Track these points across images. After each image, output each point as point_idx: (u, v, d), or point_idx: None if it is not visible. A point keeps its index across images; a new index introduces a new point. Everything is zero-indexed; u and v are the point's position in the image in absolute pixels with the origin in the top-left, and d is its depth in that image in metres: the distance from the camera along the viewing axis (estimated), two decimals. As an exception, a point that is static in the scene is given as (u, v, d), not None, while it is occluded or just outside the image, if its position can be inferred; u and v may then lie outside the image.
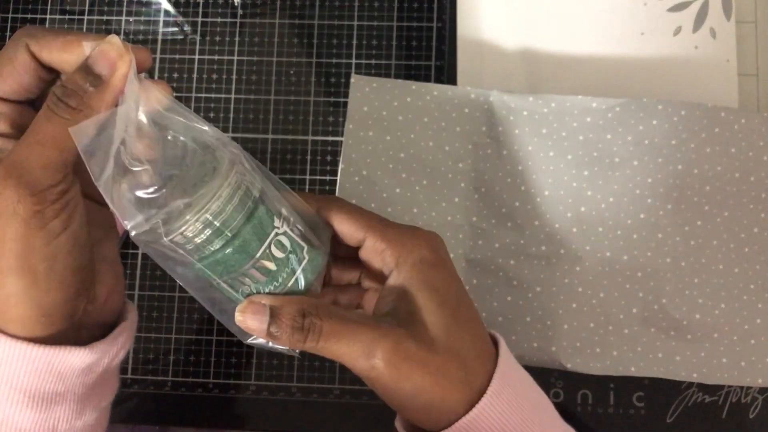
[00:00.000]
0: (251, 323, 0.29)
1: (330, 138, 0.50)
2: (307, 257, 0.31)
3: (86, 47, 0.28)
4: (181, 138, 0.29)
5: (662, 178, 0.46)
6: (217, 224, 0.28)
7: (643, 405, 0.46)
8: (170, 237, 0.28)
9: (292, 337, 0.29)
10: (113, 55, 0.28)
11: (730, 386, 0.46)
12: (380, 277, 0.33)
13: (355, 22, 0.51)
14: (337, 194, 0.47)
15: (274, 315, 0.29)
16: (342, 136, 0.49)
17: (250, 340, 0.31)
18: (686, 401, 0.46)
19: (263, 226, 0.29)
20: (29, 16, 0.53)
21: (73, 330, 0.30)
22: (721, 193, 0.46)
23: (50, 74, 0.30)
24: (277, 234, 0.30)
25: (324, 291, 0.34)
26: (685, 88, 0.49)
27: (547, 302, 0.46)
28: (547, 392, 0.47)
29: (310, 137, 0.50)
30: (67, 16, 0.53)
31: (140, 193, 0.28)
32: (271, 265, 0.30)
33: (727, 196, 0.46)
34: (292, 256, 0.30)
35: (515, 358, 0.45)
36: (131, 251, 0.49)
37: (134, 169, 0.28)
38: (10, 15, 0.53)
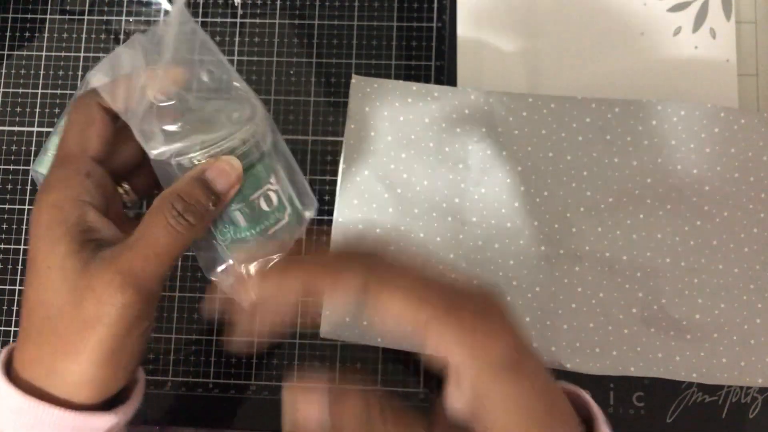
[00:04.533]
0: (302, 406, 0.26)
1: (330, 138, 0.50)
2: (286, 219, 0.33)
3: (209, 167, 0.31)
4: (208, 79, 0.33)
5: (662, 179, 0.46)
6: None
7: (643, 405, 0.46)
8: (178, 159, 0.31)
9: None
10: (233, 178, 0.31)
11: (729, 386, 0.46)
12: None
13: (355, 23, 0.52)
14: (337, 194, 0.47)
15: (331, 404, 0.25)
16: (342, 136, 0.49)
17: (213, 277, 0.33)
18: (686, 401, 0.46)
19: (259, 178, 0.32)
20: (29, 15, 0.53)
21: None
22: (720, 193, 0.46)
23: (116, 124, 0.33)
24: (269, 189, 0.33)
25: None
26: (684, 88, 0.50)
27: (546, 302, 0.46)
28: (547, 392, 0.47)
29: (310, 137, 0.50)
30: (67, 16, 0.53)
31: (166, 127, 0.31)
32: (254, 214, 0.32)
33: (727, 197, 0.46)
34: (276, 213, 0.33)
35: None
36: (131, 251, 0.49)
37: (162, 105, 0.31)
38: (10, 15, 0.53)
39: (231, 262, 0.33)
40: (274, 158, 0.34)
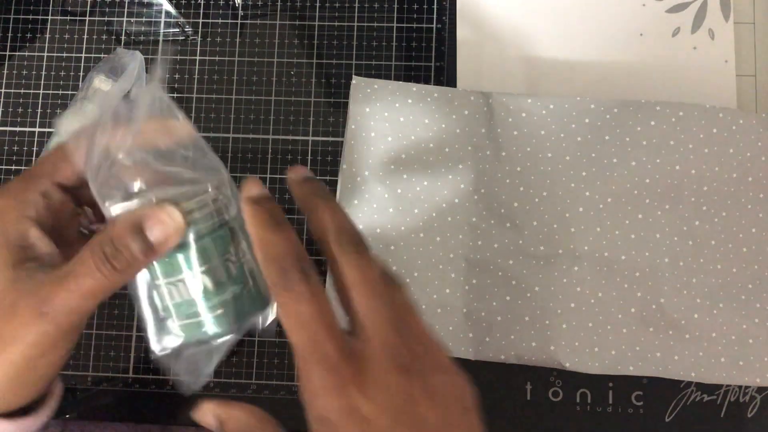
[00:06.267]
0: (204, 417, 0.30)
1: (330, 138, 0.50)
2: (247, 292, 0.31)
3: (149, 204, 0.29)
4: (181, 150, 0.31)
5: (660, 179, 0.47)
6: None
7: (642, 404, 0.47)
8: None
9: None
10: (171, 230, 0.29)
11: (728, 385, 0.47)
12: None
13: (356, 24, 0.52)
14: (338, 195, 0.47)
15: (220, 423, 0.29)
16: (342, 136, 0.49)
17: (159, 352, 0.31)
18: (685, 400, 0.47)
19: (216, 246, 0.30)
20: (30, 16, 0.53)
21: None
22: (719, 193, 0.47)
23: None
24: (230, 260, 0.30)
25: None
26: (683, 88, 0.50)
27: (545, 302, 0.46)
28: (546, 391, 0.47)
29: (311, 138, 0.50)
30: (68, 17, 0.53)
31: (126, 184, 0.29)
32: (210, 285, 0.30)
33: (725, 197, 0.47)
34: (232, 287, 0.30)
35: (514, 357, 0.45)
36: (133, 251, 0.50)
37: (125, 164, 0.29)
38: (12, 15, 0.53)
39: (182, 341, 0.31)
40: (238, 232, 0.32)
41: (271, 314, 0.32)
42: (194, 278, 0.30)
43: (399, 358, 0.28)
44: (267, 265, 0.28)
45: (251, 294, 0.31)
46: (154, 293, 0.31)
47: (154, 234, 0.29)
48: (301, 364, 0.27)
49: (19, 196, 0.31)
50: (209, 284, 0.30)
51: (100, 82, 0.49)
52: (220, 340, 0.31)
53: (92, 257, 0.29)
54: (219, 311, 0.30)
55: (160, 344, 0.31)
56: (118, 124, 0.30)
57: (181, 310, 0.30)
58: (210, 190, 0.30)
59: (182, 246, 0.29)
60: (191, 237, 0.30)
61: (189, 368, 0.31)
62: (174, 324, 0.31)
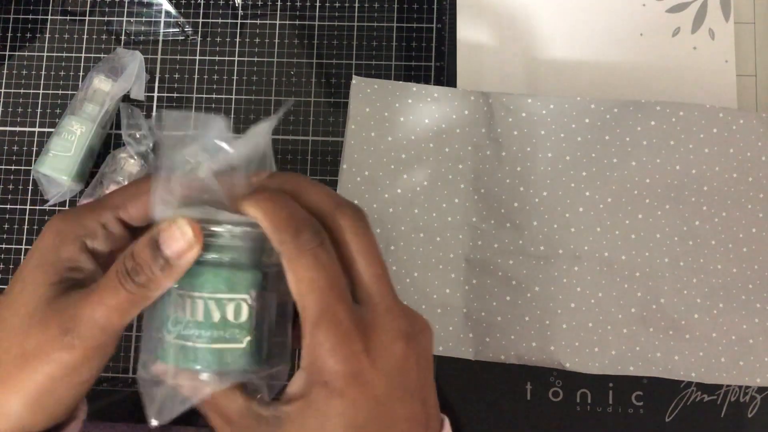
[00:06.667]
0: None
1: (330, 138, 0.50)
2: (243, 346, 0.29)
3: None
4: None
5: (660, 179, 0.47)
6: (218, 240, 0.29)
7: (642, 404, 0.47)
8: None
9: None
10: (183, 244, 0.28)
11: (728, 385, 0.47)
12: None
13: (356, 23, 0.52)
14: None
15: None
16: (342, 136, 0.49)
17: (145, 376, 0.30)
18: (685, 400, 0.47)
19: (235, 280, 0.29)
20: (30, 16, 0.53)
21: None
22: (719, 193, 0.47)
23: None
24: (246, 301, 0.29)
25: None
26: (683, 88, 0.50)
27: (545, 302, 0.46)
28: (546, 392, 0.47)
29: (311, 137, 0.50)
30: (68, 17, 0.53)
31: (176, 197, 0.29)
32: (216, 316, 0.29)
33: (726, 197, 0.47)
34: (235, 330, 0.29)
35: (514, 357, 0.45)
36: (132, 251, 0.50)
37: (186, 172, 0.29)
38: (11, 15, 0.53)
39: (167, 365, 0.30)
40: (271, 285, 0.30)
41: (266, 391, 0.30)
42: (200, 300, 0.29)
43: (403, 325, 0.28)
44: (279, 226, 0.28)
45: (251, 348, 0.29)
46: (170, 305, 0.30)
47: (169, 248, 0.28)
48: (310, 329, 0.27)
49: (80, 221, 0.31)
50: (213, 313, 0.29)
51: (100, 82, 0.49)
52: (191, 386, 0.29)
53: (116, 272, 0.28)
54: (208, 346, 0.28)
55: (144, 369, 0.30)
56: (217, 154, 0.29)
57: (176, 327, 0.29)
58: (247, 227, 0.29)
59: (203, 263, 0.29)
60: (213, 258, 0.29)
61: (161, 402, 0.30)
62: (165, 337, 0.30)
